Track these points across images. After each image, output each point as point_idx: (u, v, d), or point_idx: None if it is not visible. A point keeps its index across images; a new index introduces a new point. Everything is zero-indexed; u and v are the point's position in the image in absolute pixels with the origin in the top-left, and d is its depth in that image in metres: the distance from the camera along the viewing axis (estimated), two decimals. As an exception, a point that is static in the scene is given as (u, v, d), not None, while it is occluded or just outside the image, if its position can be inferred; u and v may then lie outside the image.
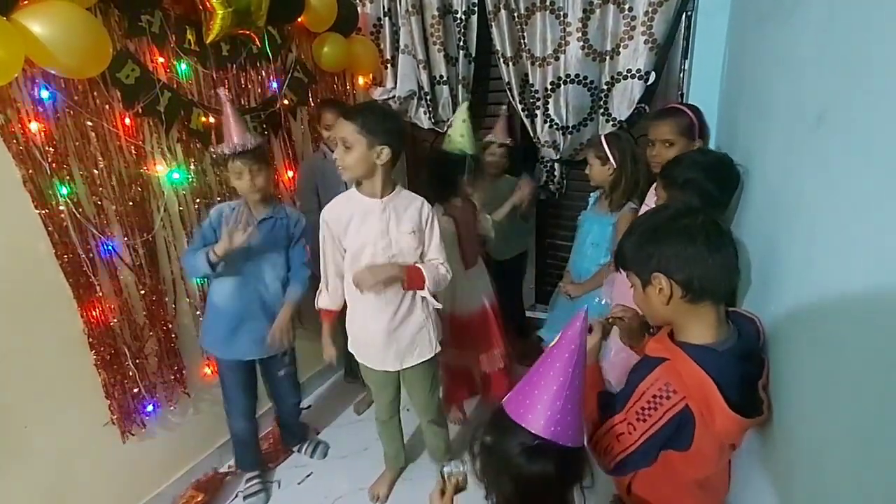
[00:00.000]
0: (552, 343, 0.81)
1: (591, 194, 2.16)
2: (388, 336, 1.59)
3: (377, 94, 2.60)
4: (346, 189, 2.26)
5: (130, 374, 1.72)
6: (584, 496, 0.82)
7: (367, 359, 1.68)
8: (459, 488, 1.03)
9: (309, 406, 2.43)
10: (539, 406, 0.75)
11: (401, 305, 1.57)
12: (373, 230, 1.50)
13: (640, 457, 0.85)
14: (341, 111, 1.80)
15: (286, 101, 2.18)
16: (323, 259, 1.61)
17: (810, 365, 0.70)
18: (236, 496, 1.98)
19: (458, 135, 1.99)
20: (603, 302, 1.94)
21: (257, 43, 2.00)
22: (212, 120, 1.85)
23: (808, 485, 0.67)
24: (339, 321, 1.73)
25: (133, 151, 1.67)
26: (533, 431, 0.74)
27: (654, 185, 1.72)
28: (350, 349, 1.71)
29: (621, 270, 0.95)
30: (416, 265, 1.54)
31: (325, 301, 1.67)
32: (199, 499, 1.90)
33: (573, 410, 0.76)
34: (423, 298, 1.59)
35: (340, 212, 1.53)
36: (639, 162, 1.85)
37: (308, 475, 2.04)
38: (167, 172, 1.77)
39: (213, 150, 1.72)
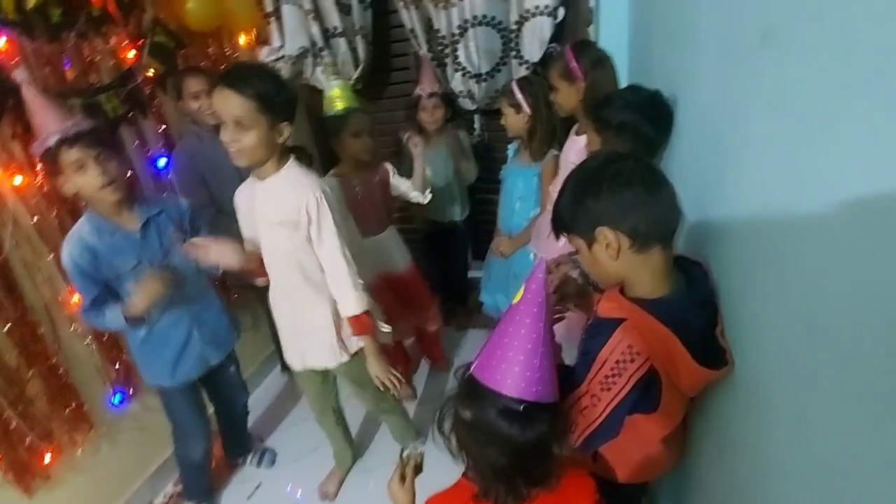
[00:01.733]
0: (515, 300, 0.75)
1: (509, 146, 2.07)
2: (291, 331, 1.45)
3: (264, 54, 2.28)
4: (241, 172, 2.02)
5: (13, 424, 1.43)
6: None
7: (292, 357, 1.52)
8: (417, 470, 0.98)
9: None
10: (516, 368, 0.71)
11: (299, 302, 1.38)
12: (258, 219, 1.31)
13: (607, 428, 0.81)
14: (213, 78, 1.47)
15: (149, 73, 1.83)
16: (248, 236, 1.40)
17: (771, 305, 0.65)
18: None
19: (335, 94, 1.77)
20: (531, 255, 1.90)
21: (97, 3, 1.63)
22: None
23: (783, 434, 0.63)
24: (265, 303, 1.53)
25: (-50, 157, 1.31)
26: (516, 396, 0.70)
27: (573, 129, 1.66)
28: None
29: (561, 236, 0.87)
30: (353, 321, 1.35)
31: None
32: None
33: (550, 366, 0.73)
34: (329, 302, 1.38)
35: (241, 195, 1.36)
36: (553, 106, 1.76)
37: (257, 487, 1.89)
38: (4, 178, 1.42)
39: (32, 152, 1.31)
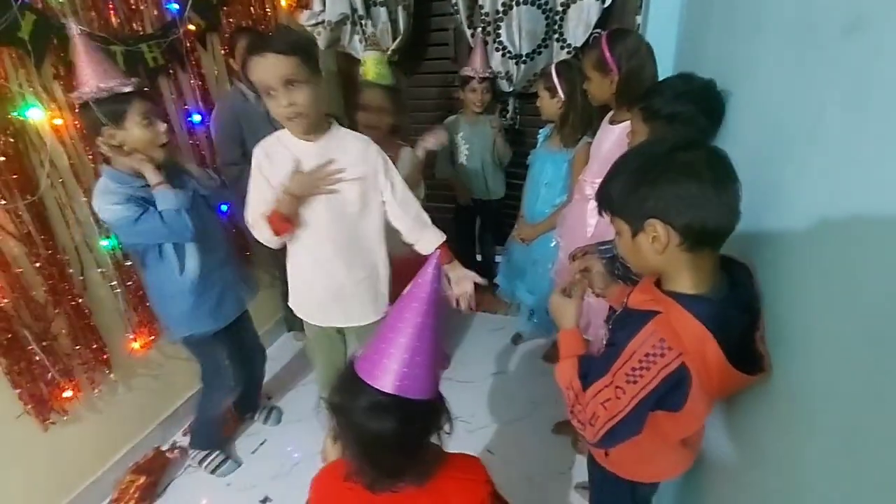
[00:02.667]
0: (405, 291, 0.75)
1: (541, 131, 2.03)
2: (337, 290, 1.40)
3: (304, 18, 2.26)
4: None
5: (37, 358, 1.48)
6: (441, 441, 0.81)
7: (319, 316, 1.50)
8: None
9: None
10: (386, 361, 0.71)
11: (349, 260, 1.37)
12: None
13: (630, 423, 0.77)
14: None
15: (191, 27, 1.82)
16: (250, 198, 1.34)
17: (829, 317, 0.62)
18: (185, 467, 1.86)
19: (366, 64, 1.75)
20: (553, 244, 1.87)
21: (146, -49, 1.62)
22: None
23: (827, 454, 0.61)
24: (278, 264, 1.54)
25: (-7, 91, 1.33)
26: (378, 388, 0.70)
27: (606, 117, 1.62)
28: (290, 304, 1.51)
29: (604, 214, 0.82)
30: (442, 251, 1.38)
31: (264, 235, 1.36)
32: (140, 481, 1.75)
33: (424, 363, 0.72)
34: (379, 258, 1.42)
35: (274, 153, 1.29)
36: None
37: (262, 443, 1.93)
38: (43, 118, 1.43)
39: (73, 96, 1.30)
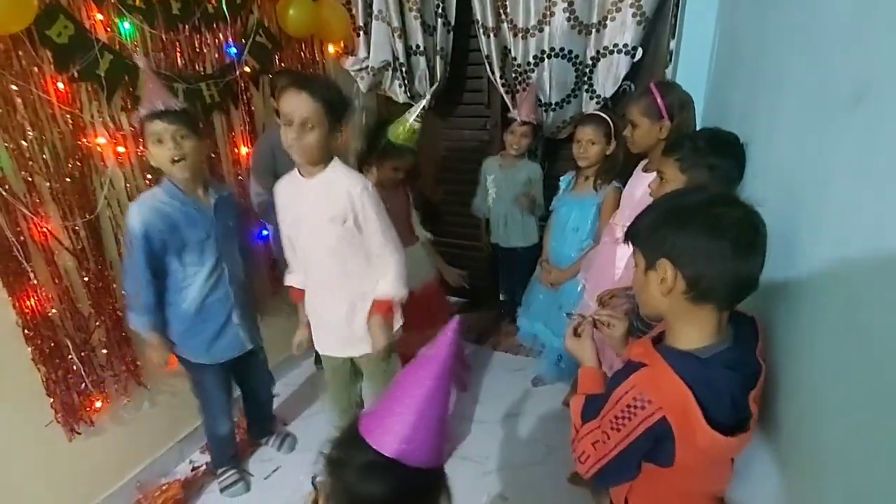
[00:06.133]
0: (421, 352, 0.71)
1: (562, 178, 2.08)
2: (332, 322, 1.52)
3: (349, 64, 2.42)
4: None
5: (74, 368, 1.56)
6: None
7: (319, 343, 1.61)
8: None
9: (276, 394, 2.30)
10: (388, 421, 0.66)
11: (341, 295, 1.49)
12: (303, 215, 1.41)
13: (617, 468, 0.78)
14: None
15: (247, 69, 1.99)
16: (283, 234, 1.52)
17: (841, 374, 0.62)
18: (203, 489, 1.87)
19: (408, 128, 1.81)
20: (579, 288, 1.88)
21: (213, 2, 1.80)
22: (162, 87, 1.66)
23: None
24: None
25: (69, 121, 1.47)
26: (376, 448, 0.65)
27: (639, 165, 1.65)
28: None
29: (629, 244, 0.84)
30: (378, 302, 1.46)
31: (290, 279, 1.58)
32: (179, 496, 1.79)
33: (431, 428, 0.66)
34: (369, 293, 1.49)
35: (283, 191, 1.47)
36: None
37: (275, 470, 1.94)
38: (108, 145, 1.57)
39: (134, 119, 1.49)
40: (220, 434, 1.80)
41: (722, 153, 1.10)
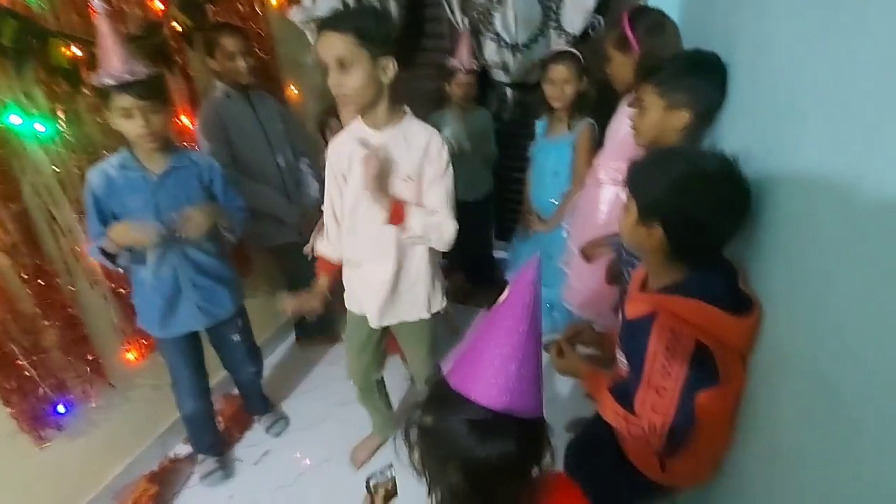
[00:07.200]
0: (501, 298, 0.67)
1: (538, 122, 1.98)
2: (390, 289, 1.37)
3: (295, 14, 2.20)
4: (267, 134, 1.95)
5: (27, 374, 1.43)
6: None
7: (357, 308, 1.47)
8: (390, 496, 0.92)
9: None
10: (488, 373, 0.62)
11: (401, 259, 1.35)
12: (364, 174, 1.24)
13: (682, 416, 0.82)
14: (249, 37, 1.45)
15: (177, 27, 1.77)
16: (326, 200, 1.38)
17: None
18: (189, 479, 1.81)
19: None
20: (564, 234, 1.82)
21: (127, -51, 1.57)
22: (79, 52, 1.45)
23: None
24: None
25: (-29, 98, 1.28)
26: (483, 404, 0.61)
27: (622, 100, 1.54)
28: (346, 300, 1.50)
29: (625, 190, 0.90)
30: (404, 203, 1.26)
31: (324, 247, 1.44)
32: (151, 491, 1.71)
33: (529, 376, 0.63)
34: (427, 251, 1.37)
35: (342, 147, 1.29)
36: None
37: (265, 454, 1.88)
38: (25, 124, 1.38)
39: (89, 81, 1.32)
40: (188, 413, 1.71)
41: (701, 74, 1.05)
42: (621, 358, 0.98)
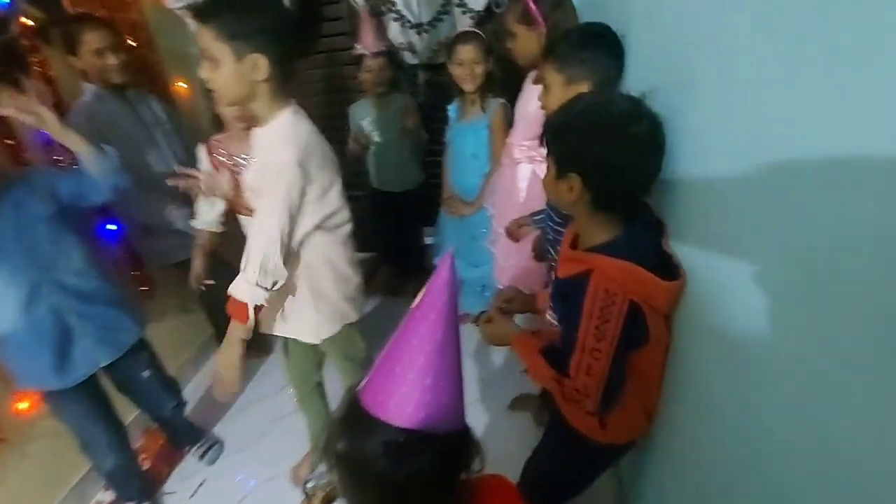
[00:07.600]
0: (415, 302, 0.61)
1: (450, 106, 1.94)
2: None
3: (171, 1, 1.98)
4: (154, 137, 1.77)
5: None
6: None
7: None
8: (329, 499, 0.89)
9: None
10: (402, 389, 0.56)
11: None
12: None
13: (616, 375, 0.84)
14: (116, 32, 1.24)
15: (28, 21, 1.52)
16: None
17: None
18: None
19: None
20: (488, 214, 1.82)
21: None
22: None
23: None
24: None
25: None
26: (398, 424, 0.56)
27: (528, 77, 1.55)
28: None
29: (544, 147, 0.87)
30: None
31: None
32: None
33: (448, 388, 0.58)
34: (306, 272, 1.22)
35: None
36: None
37: (201, 484, 1.74)
38: None
39: None
40: (108, 470, 1.51)
41: (595, 46, 1.07)
42: (552, 319, 0.98)
